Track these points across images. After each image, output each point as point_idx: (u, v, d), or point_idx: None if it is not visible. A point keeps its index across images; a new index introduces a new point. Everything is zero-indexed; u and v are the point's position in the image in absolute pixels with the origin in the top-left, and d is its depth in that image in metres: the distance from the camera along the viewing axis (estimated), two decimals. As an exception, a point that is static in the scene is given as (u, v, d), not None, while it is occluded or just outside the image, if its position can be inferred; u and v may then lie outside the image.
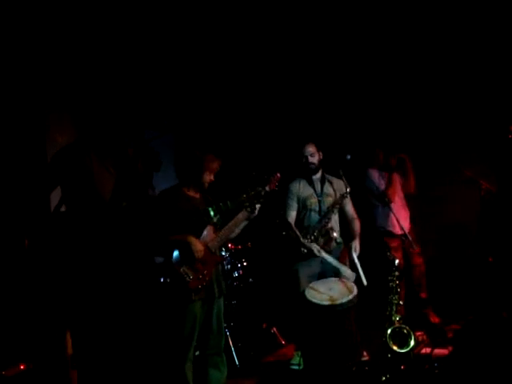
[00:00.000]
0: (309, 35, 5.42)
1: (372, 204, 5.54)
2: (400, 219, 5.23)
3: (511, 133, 5.34)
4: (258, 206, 3.89)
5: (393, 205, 5.28)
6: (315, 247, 4.56)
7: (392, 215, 5.21)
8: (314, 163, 4.79)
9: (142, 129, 5.81)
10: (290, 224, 4.69)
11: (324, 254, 4.54)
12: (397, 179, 5.53)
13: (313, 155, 4.79)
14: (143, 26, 4.82)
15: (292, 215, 4.80)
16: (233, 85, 6.19)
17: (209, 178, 3.90)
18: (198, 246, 3.69)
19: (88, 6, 4.41)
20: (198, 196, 3.94)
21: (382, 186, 5.47)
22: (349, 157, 4.71)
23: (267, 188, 4.01)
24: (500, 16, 5.02)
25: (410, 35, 5.41)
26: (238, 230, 4.00)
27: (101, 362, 3.22)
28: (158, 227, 3.71)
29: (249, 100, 6.48)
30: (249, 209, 3.85)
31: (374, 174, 5.54)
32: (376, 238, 5.50)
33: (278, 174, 4.10)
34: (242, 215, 3.89)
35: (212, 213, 3.75)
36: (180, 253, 3.69)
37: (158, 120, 6.18)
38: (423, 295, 5.48)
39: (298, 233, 4.64)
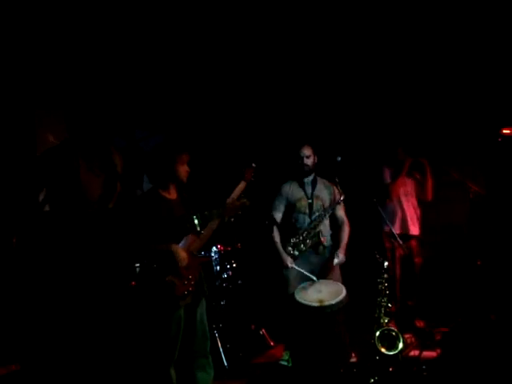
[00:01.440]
0: (302, 37, 5.41)
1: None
2: (398, 221, 5.28)
3: (501, 136, 5.36)
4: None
5: (395, 204, 5.32)
6: (289, 261, 4.66)
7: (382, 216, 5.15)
8: (308, 165, 4.82)
9: (132, 129, 5.81)
10: (273, 234, 4.75)
11: (295, 266, 4.62)
12: (406, 181, 5.49)
13: (308, 157, 4.82)
14: (135, 25, 4.80)
15: (277, 217, 4.83)
16: (225, 85, 6.17)
17: (184, 169, 3.81)
18: (181, 255, 3.63)
19: (80, 4, 4.38)
20: (175, 197, 3.85)
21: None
22: (339, 158, 4.72)
23: (245, 179, 4.07)
24: (491, 19, 5.04)
25: (399, 37, 5.42)
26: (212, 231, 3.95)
27: (82, 365, 3.21)
28: (138, 234, 3.66)
29: (241, 100, 6.47)
30: (232, 219, 3.85)
31: (389, 170, 5.50)
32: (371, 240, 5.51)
33: (253, 165, 4.14)
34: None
35: (196, 221, 3.72)
36: (164, 262, 3.63)
37: (148, 120, 6.17)
38: (410, 303, 5.45)
39: (278, 244, 4.74)
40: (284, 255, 4.68)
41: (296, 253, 4.69)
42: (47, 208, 3.35)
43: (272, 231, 4.75)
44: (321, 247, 4.75)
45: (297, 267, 4.59)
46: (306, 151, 4.82)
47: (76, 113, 3.34)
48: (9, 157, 4.52)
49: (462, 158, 5.98)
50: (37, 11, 4.30)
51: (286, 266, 4.64)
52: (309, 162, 4.82)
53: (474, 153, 6.05)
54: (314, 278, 4.46)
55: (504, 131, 5.32)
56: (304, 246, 4.70)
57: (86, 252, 3.19)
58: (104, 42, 4.85)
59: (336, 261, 4.66)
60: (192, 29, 5.03)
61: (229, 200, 3.94)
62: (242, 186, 4.07)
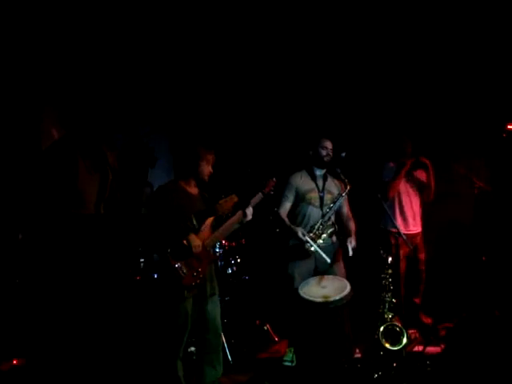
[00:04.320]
0: (305, 36, 5.41)
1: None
2: (398, 218, 5.26)
3: (506, 131, 5.34)
4: (249, 211, 3.95)
5: (394, 201, 5.29)
6: (300, 230, 4.57)
7: (386, 212, 5.13)
8: (330, 158, 4.78)
9: (136, 125, 5.82)
10: (282, 218, 4.72)
11: (308, 239, 4.54)
12: (407, 180, 5.41)
13: (332, 150, 4.80)
14: (137, 22, 4.80)
15: (286, 206, 4.78)
16: (229, 80, 6.17)
17: (207, 169, 3.88)
18: (196, 242, 3.70)
19: (82, 2, 4.39)
20: (196, 192, 3.92)
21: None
22: (343, 154, 4.71)
23: (264, 191, 4.10)
24: (495, 15, 5.02)
25: (404, 33, 5.41)
26: (229, 232, 4.03)
27: (91, 359, 3.23)
28: (155, 223, 3.70)
29: (245, 95, 6.46)
30: (223, 216, 3.89)
31: (391, 167, 5.45)
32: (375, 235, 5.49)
33: (274, 179, 4.17)
34: (236, 218, 3.92)
35: (195, 221, 3.78)
36: (176, 248, 3.68)
37: (152, 116, 6.18)
38: (417, 301, 5.42)
39: (287, 221, 4.70)
40: (294, 227, 4.62)
41: (313, 248, 4.63)
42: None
43: (280, 220, 4.72)
44: (334, 236, 4.75)
45: (310, 240, 4.53)
46: (330, 144, 4.79)
47: (73, 110, 3.36)
48: (13, 152, 4.54)
49: (467, 154, 5.96)
50: (41, 10, 4.31)
51: (301, 239, 4.53)
52: (331, 154, 4.78)
53: (479, 148, 6.02)
54: (328, 260, 4.49)
55: (509, 127, 5.30)
56: (322, 240, 4.66)
57: (87, 251, 3.21)
58: (109, 39, 4.86)
59: (350, 246, 4.64)
60: (197, 26, 5.03)
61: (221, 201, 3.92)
62: (258, 197, 4.09)
